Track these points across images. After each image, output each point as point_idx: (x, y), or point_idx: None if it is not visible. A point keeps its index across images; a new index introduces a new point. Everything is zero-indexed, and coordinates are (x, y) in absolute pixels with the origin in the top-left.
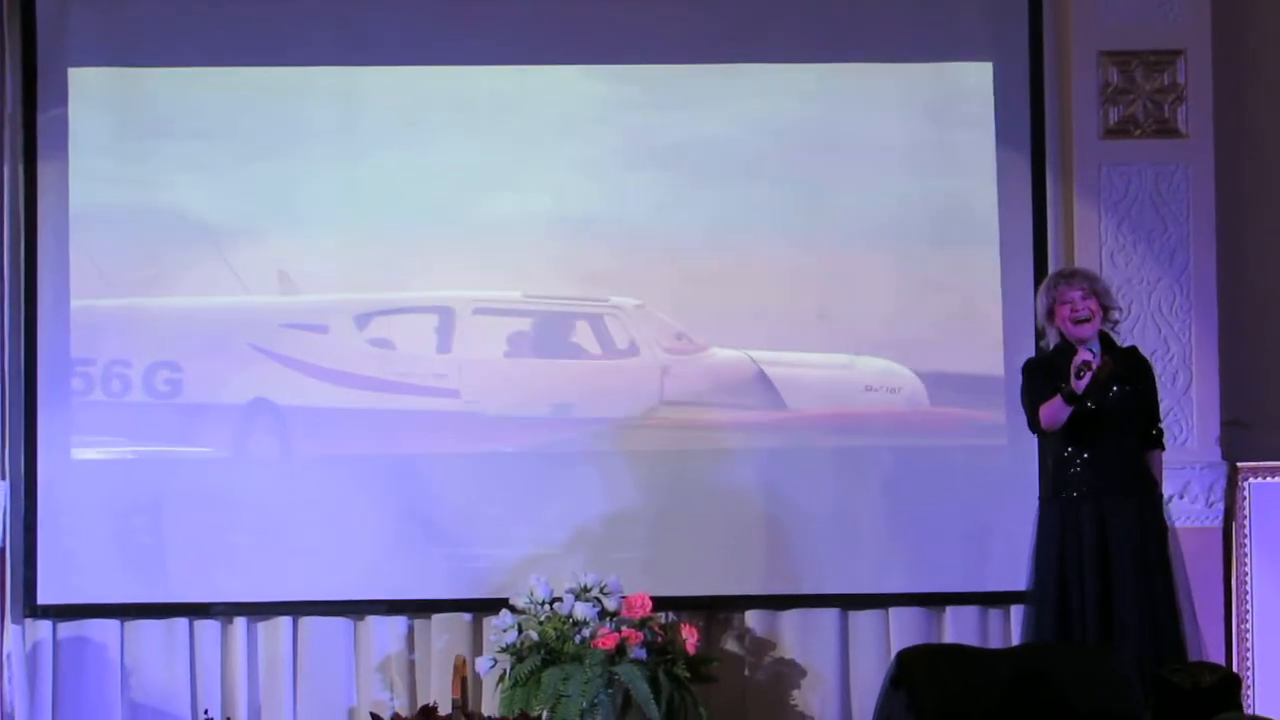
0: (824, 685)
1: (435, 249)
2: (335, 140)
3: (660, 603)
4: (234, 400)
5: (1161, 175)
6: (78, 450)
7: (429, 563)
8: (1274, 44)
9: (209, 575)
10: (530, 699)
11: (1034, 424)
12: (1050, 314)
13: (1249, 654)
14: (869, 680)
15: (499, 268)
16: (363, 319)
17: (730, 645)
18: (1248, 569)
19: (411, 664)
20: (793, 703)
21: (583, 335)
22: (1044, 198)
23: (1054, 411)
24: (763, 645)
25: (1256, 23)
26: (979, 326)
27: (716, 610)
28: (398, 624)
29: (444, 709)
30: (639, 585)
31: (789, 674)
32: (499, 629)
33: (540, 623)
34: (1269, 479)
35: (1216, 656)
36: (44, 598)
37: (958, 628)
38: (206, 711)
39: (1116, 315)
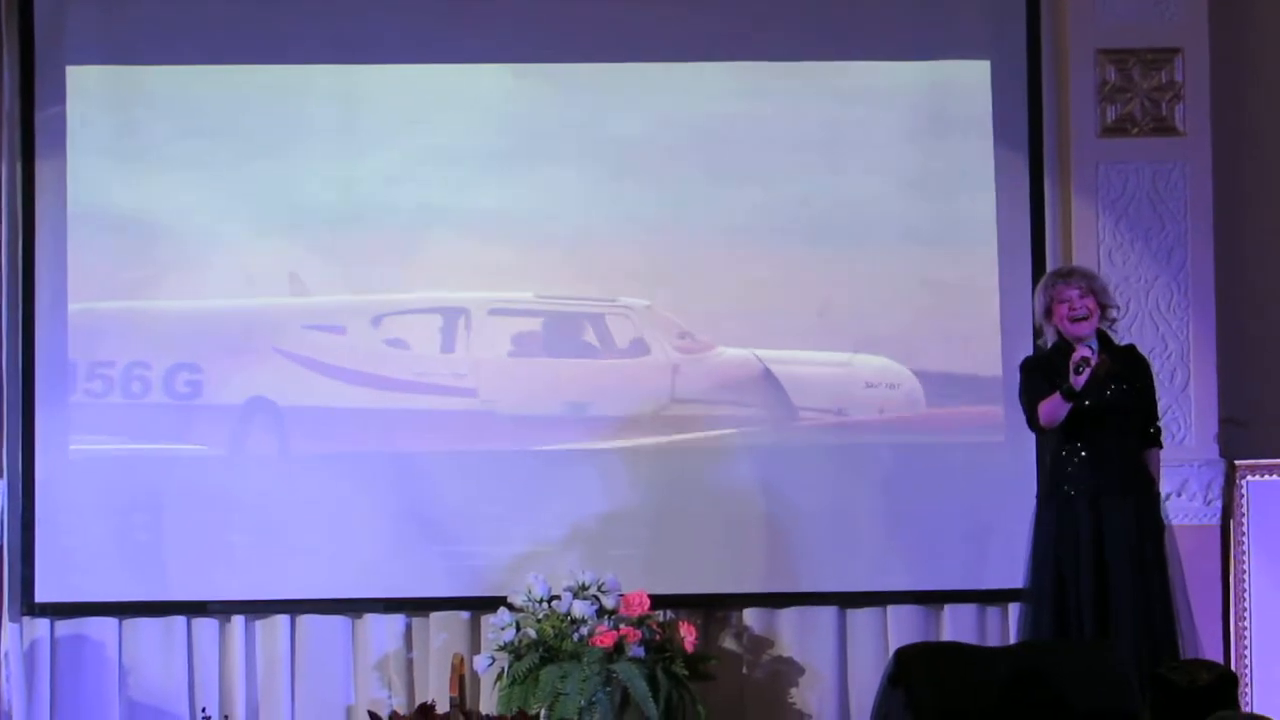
0: (822, 683)
1: (438, 249)
2: (335, 139)
3: (658, 601)
4: (232, 399)
5: (1159, 173)
6: (76, 449)
7: (427, 561)
8: (1271, 42)
9: (207, 573)
10: (528, 697)
11: (1032, 422)
12: (1048, 312)
13: (1247, 652)
14: (867, 678)
15: (504, 268)
16: (364, 318)
17: (728, 643)
18: (1245, 567)
19: (409, 662)
20: (791, 701)
21: (593, 335)
22: (1042, 196)
23: (1052, 408)
24: (761, 643)
25: (1254, 21)
26: (977, 324)
27: (714, 608)
28: (396, 622)
29: (442, 707)
30: (637, 583)
31: (787, 672)
32: (497, 627)
33: (538, 621)
34: (1267, 477)
35: (1214, 655)
36: (42, 596)
37: (956, 626)
38: (204, 710)
39: (1114, 313)
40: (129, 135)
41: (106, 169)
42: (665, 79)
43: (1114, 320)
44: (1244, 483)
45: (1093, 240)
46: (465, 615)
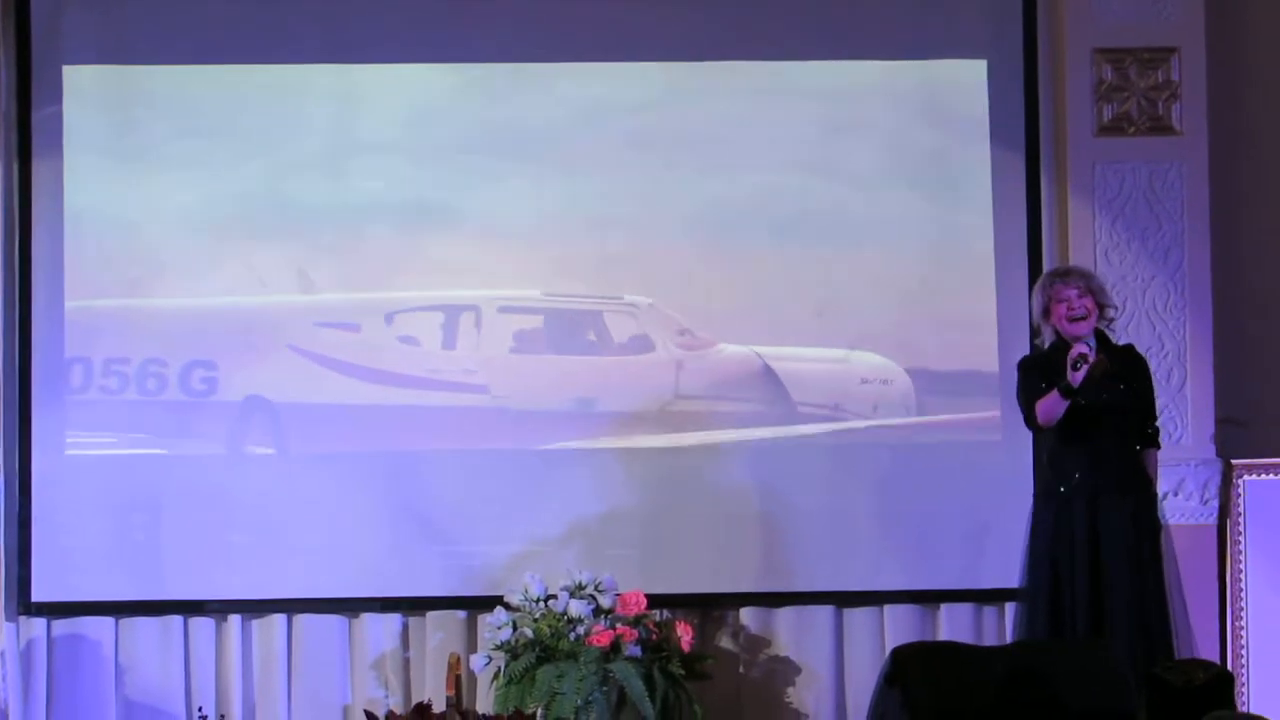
0: (819, 683)
1: (440, 248)
2: (332, 139)
3: (655, 600)
4: (229, 398)
5: (1156, 173)
6: (72, 448)
7: (424, 560)
8: (1268, 42)
9: (203, 573)
10: (525, 696)
11: (1030, 420)
12: (1046, 312)
13: (1243, 651)
14: (864, 678)
15: (510, 265)
16: (361, 317)
17: (725, 643)
18: (1242, 566)
19: (406, 661)
20: (787, 700)
21: (597, 332)
22: (1038, 195)
23: (1050, 406)
24: (757, 643)
25: (1250, 20)
26: (973, 323)
27: (711, 608)
28: (392, 621)
29: (438, 706)
30: (633, 583)
31: (784, 671)
32: (494, 626)
33: (535, 620)
34: (1263, 476)
35: (1210, 654)
36: (39, 595)
37: (952, 625)
38: (201, 709)
39: (1112, 313)
40: (125, 135)
41: (103, 168)
42: (662, 78)
43: (1111, 320)
44: (1241, 482)
45: (1089, 240)
46: (462, 615)
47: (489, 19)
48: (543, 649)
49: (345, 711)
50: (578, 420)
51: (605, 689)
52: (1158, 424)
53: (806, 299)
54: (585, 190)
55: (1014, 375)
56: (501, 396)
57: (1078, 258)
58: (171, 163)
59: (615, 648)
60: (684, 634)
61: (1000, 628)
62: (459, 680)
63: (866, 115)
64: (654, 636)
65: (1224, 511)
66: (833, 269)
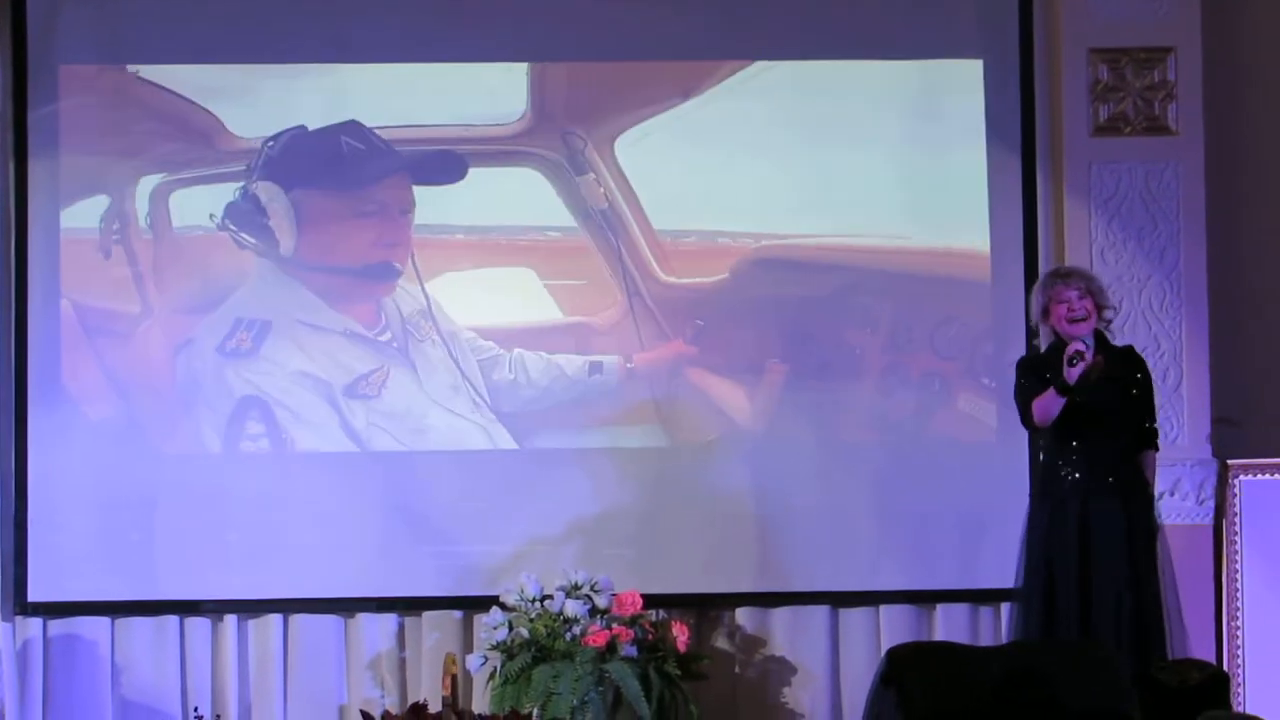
0: (814, 683)
1: (437, 248)
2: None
3: (651, 600)
4: (225, 398)
5: (1152, 173)
6: (67, 447)
7: (419, 560)
8: (1264, 41)
9: (199, 573)
10: (521, 696)
11: (1026, 419)
12: (1045, 313)
13: (1239, 651)
14: (859, 678)
15: (502, 264)
16: (361, 317)
17: (721, 643)
18: (1238, 566)
19: (402, 661)
20: (783, 700)
21: (574, 334)
22: (1034, 195)
23: (1045, 404)
24: (753, 643)
25: (1247, 20)
26: (969, 323)
27: (707, 608)
28: (388, 621)
29: (434, 706)
30: (629, 583)
31: (779, 671)
32: (489, 626)
33: (531, 620)
34: (1259, 476)
35: (1206, 654)
36: (34, 595)
37: (948, 625)
38: (197, 709)
39: (1110, 314)
40: (122, 134)
41: (99, 168)
42: (658, 78)
43: (1109, 321)
44: (1236, 482)
45: (1085, 239)
46: (458, 615)
47: (485, 19)
48: (539, 649)
49: (341, 711)
50: (574, 420)
51: (601, 689)
52: (1156, 426)
53: (799, 297)
54: (568, 183)
55: (1010, 375)
56: (482, 393)
57: (1074, 257)
58: (168, 162)
59: (611, 648)
60: (680, 634)
61: (996, 628)
62: (455, 680)
63: (862, 115)
64: (650, 636)
65: (1220, 512)
66: (827, 267)
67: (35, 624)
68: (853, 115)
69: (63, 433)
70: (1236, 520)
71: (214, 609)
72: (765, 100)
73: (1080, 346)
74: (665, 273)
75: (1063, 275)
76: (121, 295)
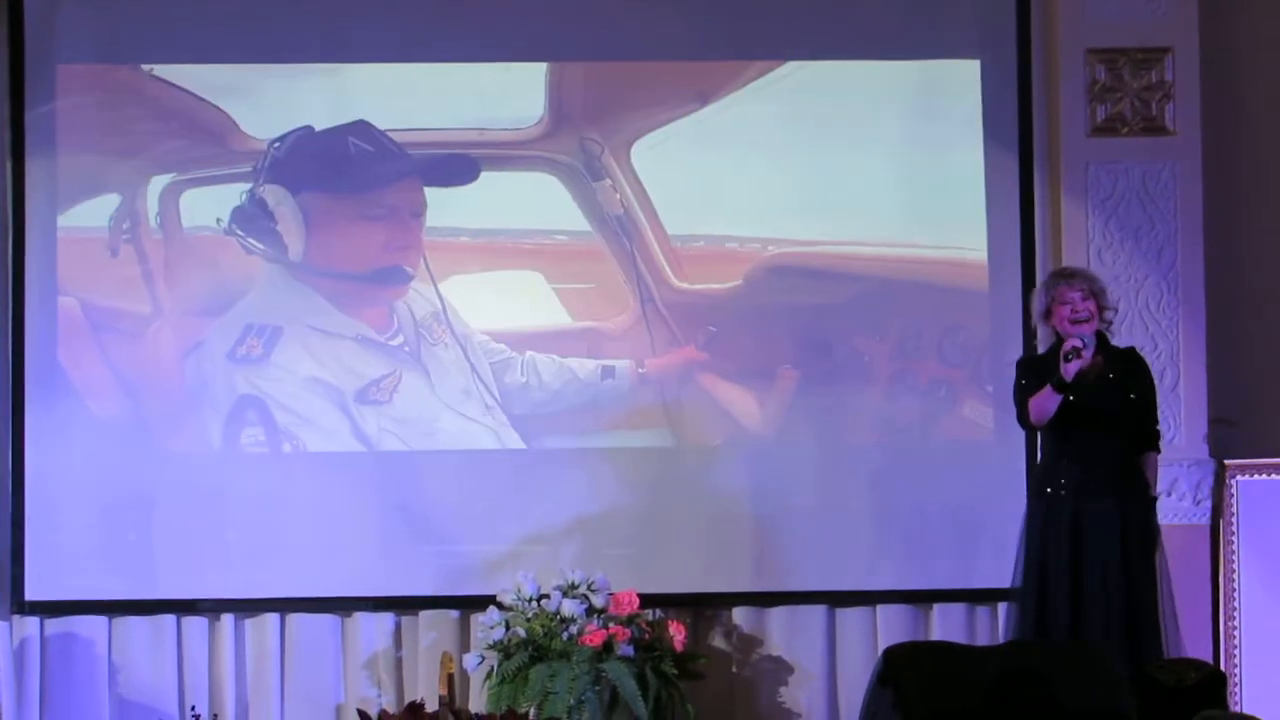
0: (811, 682)
1: (435, 249)
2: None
3: (647, 600)
4: (222, 397)
5: (1149, 173)
6: (65, 446)
7: (416, 559)
8: (1262, 41)
9: (197, 572)
10: (517, 696)
11: (1023, 418)
12: (1048, 313)
13: (1236, 651)
14: (856, 677)
15: (495, 269)
16: (359, 318)
17: (718, 642)
18: (1235, 566)
19: (399, 661)
20: (780, 700)
21: (586, 338)
22: (1031, 195)
23: (1042, 402)
24: (750, 642)
25: (1244, 20)
26: (966, 322)
27: (704, 607)
28: (385, 621)
29: (431, 706)
30: (626, 582)
31: (776, 671)
32: (486, 626)
33: (527, 620)
34: (1256, 476)
35: (1203, 654)
36: (32, 594)
37: (945, 625)
38: (194, 708)
39: (1111, 315)
40: (120, 133)
41: (96, 168)
42: (674, 82)
43: (1110, 322)
44: (1234, 482)
45: (1082, 240)
46: (454, 614)
47: (484, 18)
48: (535, 648)
49: (338, 711)
50: (572, 420)
51: (598, 688)
52: (1159, 428)
53: (796, 297)
54: (584, 188)
55: (1007, 375)
56: (495, 395)
57: (1071, 258)
58: (166, 161)
59: (608, 647)
60: (677, 633)
61: (993, 628)
62: (452, 679)
63: (859, 115)
64: (647, 636)
65: (1217, 512)
66: (823, 267)
67: (32, 623)
68: (849, 115)
69: (61, 432)
70: (1233, 520)
71: (211, 608)
72: (780, 105)
73: (1077, 342)
74: (678, 279)
75: (1066, 276)
76: (131, 294)
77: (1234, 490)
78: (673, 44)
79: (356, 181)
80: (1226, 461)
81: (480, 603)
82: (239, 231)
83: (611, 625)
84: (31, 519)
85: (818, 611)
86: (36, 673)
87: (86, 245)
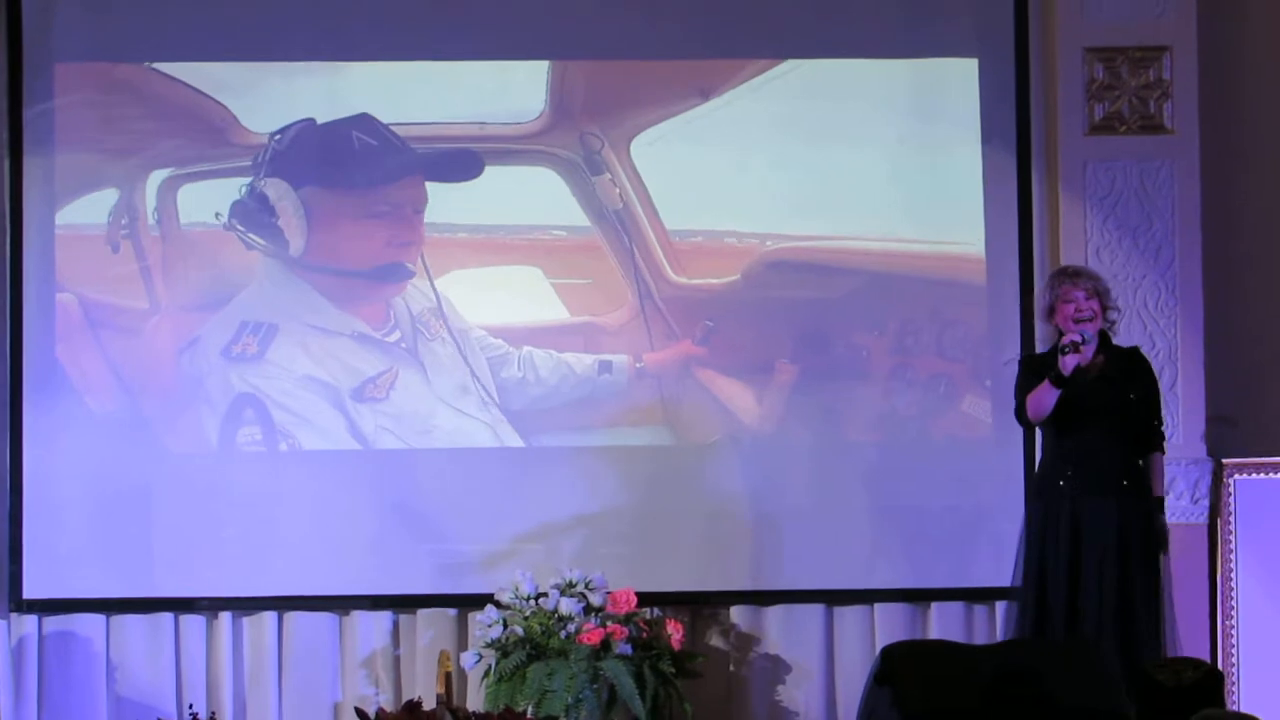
0: (809, 681)
1: (433, 248)
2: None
3: (645, 598)
4: (225, 397)
5: (1147, 171)
6: (63, 444)
7: (414, 558)
8: (1260, 40)
9: (194, 570)
10: (515, 694)
11: (1020, 413)
12: (1051, 311)
13: (1234, 650)
14: (854, 676)
15: (493, 264)
16: (356, 318)
17: (715, 641)
18: (1232, 565)
19: (397, 659)
20: (778, 698)
21: (583, 333)
22: (1029, 193)
23: (1039, 397)
24: (748, 641)
25: (1242, 19)
26: (964, 321)
27: (701, 606)
28: (383, 619)
29: (429, 704)
30: (624, 581)
31: (774, 669)
32: (484, 624)
33: (525, 618)
34: (1254, 475)
35: (1201, 653)
36: (30, 592)
37: (943, 624)
38: (191, 706)
39: (1114, 315)
40: (122, 131)
41: (95, 166)
42: (675, 78)
43: (1113, 322)
44: (1231, 481)
45: (1080, 238)
46: (452, 612)
47: (481, 16)
48: (533, 647)
49: (336, 709)
50: (569, 416)
51: (595, 687)
52: (1163, 430)
53: (793, 295)
54: (583, 182)
55: (1004, 373)
56: (492, 391)
57: (1069, 256)
58: (163, 160)
59: (606, 646)
60: (674, 632)
61: (990, 626)
62: (449, 678)
63: (857, 113)
64: (644, 634)
65: (1214, 511)
66: (821, 266)
67: (31, 621)
68: (846, 113)
69: (59, 430)
70: (1231, 519)
71: (209, 606)
72: (772, 102)
73: (1076, 337)
74: (676, 274)
75: (1070, 275)
76: (130, 291)
77: (1231, 489)
78: (673, 42)
79: (360, 177)
80: (1224, 460)
81: (478, 601)
82: (239, 227)
83: (609, 624)
84: (29, 517)
85: (815, 610)
86: (34, 671)
87: (84, 242)
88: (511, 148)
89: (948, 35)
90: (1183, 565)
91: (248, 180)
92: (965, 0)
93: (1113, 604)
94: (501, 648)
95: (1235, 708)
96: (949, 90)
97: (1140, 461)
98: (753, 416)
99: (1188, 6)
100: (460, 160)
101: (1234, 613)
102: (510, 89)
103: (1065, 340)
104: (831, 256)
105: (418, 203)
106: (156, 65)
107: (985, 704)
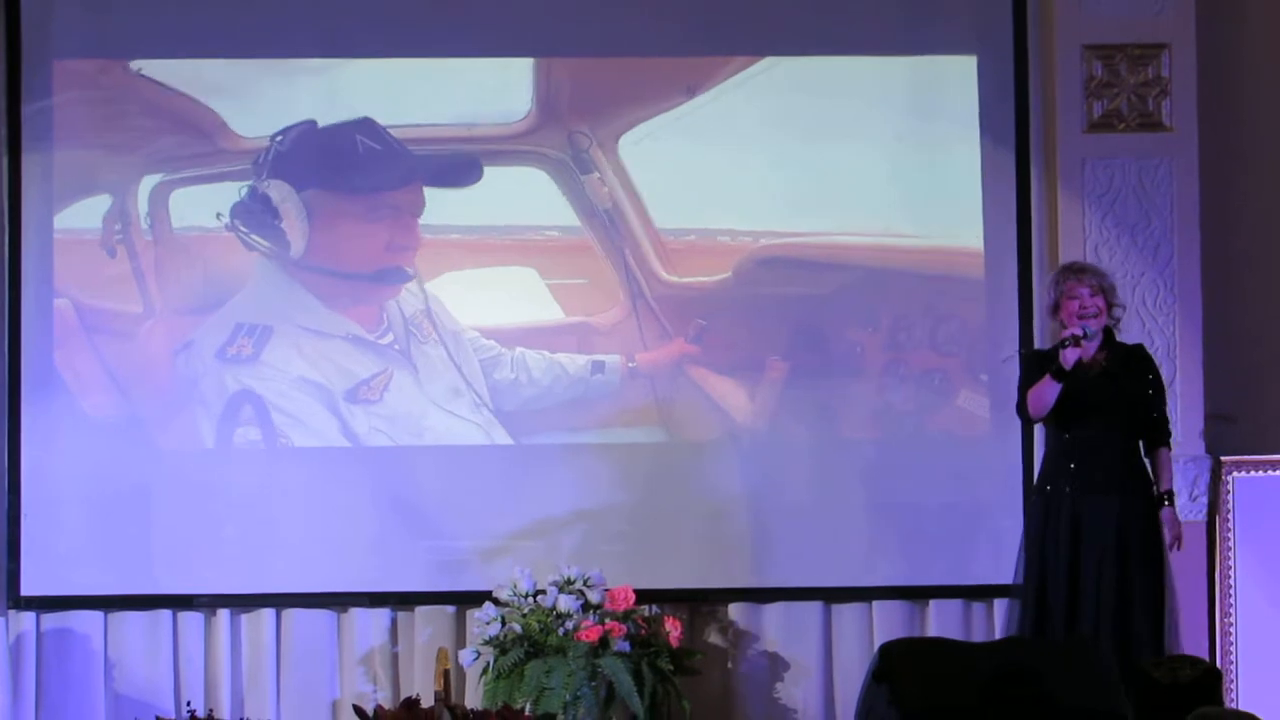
0: (807, 678)
1: (427, 247)
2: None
3: (643, 595)
4: (221, 396)
5: (1145, 169)
6: (61, 444)
7: (412, 555)
8: (1259, 38)
9: (192, 567)
10: (513, 691)
11: (1022, 409)
12: (1056, 307)
13: (1232, 648)
14: (852, 673)
15: (485, 265)
16: (354, 317)
17: (713, 638)
18: (1231, 563)
19: (395, 656)
20: (776, 696)
21: (576, 333)
22: (1028, 191)
23: (1040, 391)
24: (746, 638)
25: (1241, 16)
26: (962, 318)
27: (699, 603)
28: (381, 616)
29: (427, 701)
30: (622, 578)
31: (772, 667)
32: (482, 621)
33: (523, 615)
34: (1252, 473)
35: (1199, 651)
36: (28, 589)
37: (941, 621)
38: (189, 703)
39: (1119, 312)
40: (119, 131)
41: (93, 163)
42: (662, 76)
43: (1119, 320)
44: (1230, 479)
45: (1079, 236)
46: (450, 610)
47: (478, 15)
48: (531, 644)
49: (334, 706)
50: (563, 416)
51: (594, 684)
52: (1169, 427)
53: (792, 293)
54: (572, 182)
55: (1002, 370)
56: (484, 393)
57: (1067, 254)
58: (162, 157)
59: (604, 643)
60: (673, 629)
61: (989, 624)
62: (447, 675)
63: (855, 111)
64: (643, 632)
65: (1213, 508)
66: (819, 265)
67: (29, 618)
68: (849, 112)
69: (57, 428)
70: (1230, 517)
71: (207, 603)
72: (765, 98)
73: (1078, 330)
74: (668, 272)
75: (1075, 271)
76: (123, 295)
77: (1230, 486)
78: (661, 39)
79: (362, 181)
80: (1223, 458)
81: (476, 598)
82: (242, 227)
83: (607, 621)
84: (28, 515)
85: (814, 607)
86: (33, 668)
87: (79, 247)
88: (500, 148)
89: (946, 32)
90: (1181, 563)
91: (238, 184)
92: None
93: (1111, 604)
94: (500, 645)
95: (1233, 705)
96: (948, 87)
97: (1145, 458)
98: (746, 414)
99: (1186, 4)
100: (461, 166)
101: (1232, 610)
102: (497, 88)
103: (1065, 334)
104: (823, 252)
105: (417, 207)
106: (150, 69)
107: (983, 702)
